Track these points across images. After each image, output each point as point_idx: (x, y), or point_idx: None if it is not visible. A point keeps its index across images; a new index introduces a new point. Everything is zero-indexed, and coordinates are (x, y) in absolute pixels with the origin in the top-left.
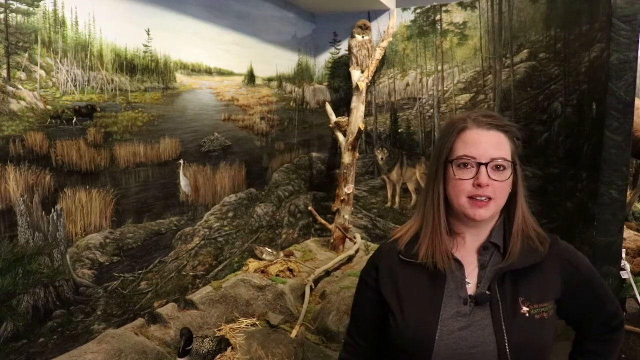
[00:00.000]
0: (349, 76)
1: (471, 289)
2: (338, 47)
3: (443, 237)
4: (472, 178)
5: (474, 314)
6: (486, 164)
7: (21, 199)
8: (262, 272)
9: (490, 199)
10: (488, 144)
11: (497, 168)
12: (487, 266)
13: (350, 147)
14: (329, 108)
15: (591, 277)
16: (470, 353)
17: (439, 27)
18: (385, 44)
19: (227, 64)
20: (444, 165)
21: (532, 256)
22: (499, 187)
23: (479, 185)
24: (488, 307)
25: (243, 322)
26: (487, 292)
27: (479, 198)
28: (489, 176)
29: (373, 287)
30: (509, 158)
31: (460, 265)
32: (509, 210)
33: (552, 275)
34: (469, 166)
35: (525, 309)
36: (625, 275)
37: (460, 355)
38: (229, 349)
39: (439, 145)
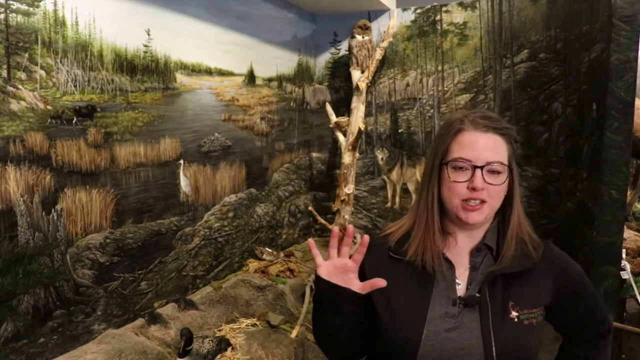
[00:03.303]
0: (349, 76)
1: (461, 290)
2: (338, 47)
3: (435, 237)
4: (467, 181)
5: (462, 315)
6: (481, 167)
7: (21, 199)
8: (262, 272)
9: (483, 202)
10: (484, 147)
11: (493, 172)
12: (478, 268)
13: (350, 147)
14: (329, 108)
15: (582, 284)
16: (456, 355)
17: (439, 27)
18: (385, 44)
19: (227, 64)
20: (439, 166)
21: (525, 261)
22: (493, 191)
23: (474, 189)
24: (477, 309)
25: (243, 322)
26: (477, 295)
27: (472, 201)
28: (484, 179)
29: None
30: (505, 162)
31: (451, 265)
32: (504, 213)
33: (543, 281)
34: (464, 169)
35: (514, 313)
36: (625, 275)
37: (446, 357)
38: (229, 349)
39: (435, 145)
